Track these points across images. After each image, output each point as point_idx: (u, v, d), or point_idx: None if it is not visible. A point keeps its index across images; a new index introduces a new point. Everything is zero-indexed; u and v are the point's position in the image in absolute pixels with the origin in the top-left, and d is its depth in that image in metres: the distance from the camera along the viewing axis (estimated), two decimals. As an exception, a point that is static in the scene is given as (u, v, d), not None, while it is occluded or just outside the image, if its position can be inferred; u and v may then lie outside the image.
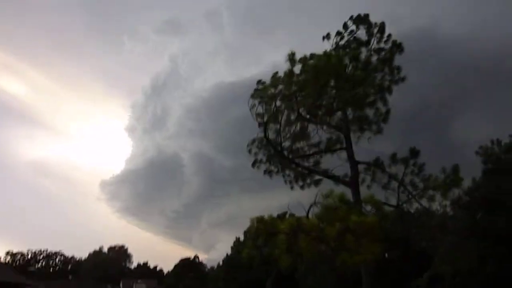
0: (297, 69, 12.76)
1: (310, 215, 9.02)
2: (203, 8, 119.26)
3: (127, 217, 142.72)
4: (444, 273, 20.63)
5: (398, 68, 15.23)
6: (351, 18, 15.14)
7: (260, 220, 9.06)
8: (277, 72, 13.17)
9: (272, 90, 13.78)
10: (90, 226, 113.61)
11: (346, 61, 12.21)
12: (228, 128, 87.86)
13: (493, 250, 20.24)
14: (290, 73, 12.82)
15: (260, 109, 14.36)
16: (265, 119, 14.19)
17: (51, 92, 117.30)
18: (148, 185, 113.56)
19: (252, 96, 14.03)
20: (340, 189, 14.63)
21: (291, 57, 12.37)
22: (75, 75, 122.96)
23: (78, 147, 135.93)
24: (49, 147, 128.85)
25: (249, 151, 16.25)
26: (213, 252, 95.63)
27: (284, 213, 35.84)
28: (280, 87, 13.60)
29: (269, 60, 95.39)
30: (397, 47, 15.00)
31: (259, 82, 14.37)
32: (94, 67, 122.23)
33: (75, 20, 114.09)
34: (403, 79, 15.02)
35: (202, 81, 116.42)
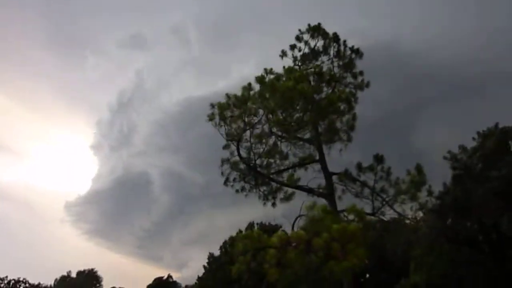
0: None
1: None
2: (168, 23, 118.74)
3: (95, 238, 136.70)
4: (419, 279, 21.04)
5: (361, 73, 15.81)
6: (300, 31, 15.56)
7: (247, 236, 9.14)
8: (227, 94, 13.35)
9: (235, 110, 14.00)
10: (55, 251, 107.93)
11: (310, 77, 12.55)
12: (197, 143, 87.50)
13: (464, 253, 20.90)
14: (250, 91, 13.14)
15: (227, 129, 14.63)
16: (236, 138, 14.39)
17: (9, 111, 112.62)
18: (116, 205, 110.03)
19: (211, 117, 14.12)
20: (314, 200, 15.04)
21: (260, 79, 12.65)
22: (35, 93, 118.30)
23: (40, 168, 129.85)
24: (9, 169, 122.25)
25: (222, 173, 16.34)
26: (186, 270, 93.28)
27: (251, 225, 35.81)
28: (243, 106, 13.87)
29: (237, 73, 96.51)
30: (356, 52, 15.60)
31: (212, 105, 14.46)
32: (56, 84, 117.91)
33: (35, 35, 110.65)
34: (367, 85, 15.61)
35: (169, 96, 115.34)
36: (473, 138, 26.51)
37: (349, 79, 15.09)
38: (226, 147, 15.25)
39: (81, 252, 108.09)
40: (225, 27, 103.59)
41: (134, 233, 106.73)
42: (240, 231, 37.07)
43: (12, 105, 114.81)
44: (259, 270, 9.21)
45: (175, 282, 70.08)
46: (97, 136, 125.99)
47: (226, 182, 16.46)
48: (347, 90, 14.53)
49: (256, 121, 13.50)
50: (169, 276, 69.16)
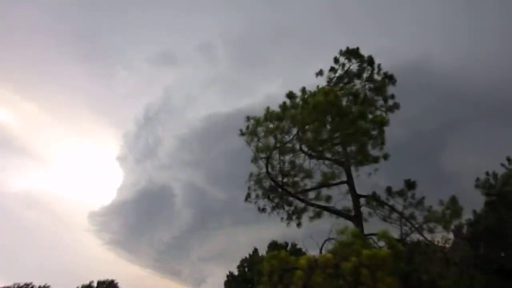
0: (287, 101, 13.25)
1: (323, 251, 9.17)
2: (196, 40, 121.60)
3: (116, 249, 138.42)
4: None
5: (392, 97, 15.72)
6: (340, 52, 15.72)
7: (274, 256, 9.12)
8: (268, 107, 13.55)
9: (270, 125, 14.15)
10: (78, 259, 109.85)
11: (343, 96, 12.57)
12: (221, 159, 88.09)
13: (496, 283, 19.98)
14: (286, 109, 13.25)
15: (258, 144, 14.74)
16: (266, 154, 14.47)
17: (40, 121, 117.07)
18: (138, 217, 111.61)
19: (243, 133, 14.31)
20: (340, 222, 14.86)
21: (291, 95, 12.75)
22: (65, 104, 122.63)
23: (66, 177, 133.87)
24: (37, 178, 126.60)
25: (249, 188, 16.35)
26: (204, 286, 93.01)
27: (275, 243, 35.43)
28: (277, 122, 13.99)
29: (262, 91, 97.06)
30: (389, 78, 15.57)
31: (248, 118, 14.71)
32: (86, 96, 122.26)
33: (67, 49, 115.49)
34: (397, 106, 15.47)
35: (195, 112, 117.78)
36: (502, 164, 25.54)
37: (380, 102, 15.00)
38: (253, 161, 15.21)
39: (102, 262, 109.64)
40: (252, 44, 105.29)
41: (154, 246, 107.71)
42: (256, 250, 36.83)
43: (42, 114, 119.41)
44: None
45: None
46: (123, 148, 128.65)
47: (247, 199, 16.49)
48: (378, 113, 14.43)
49: (287, 139, 13.55)
50: None
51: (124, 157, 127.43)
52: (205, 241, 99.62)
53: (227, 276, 36.64)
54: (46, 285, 77.90)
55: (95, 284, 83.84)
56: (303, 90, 13.26)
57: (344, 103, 12.93)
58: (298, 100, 13.18)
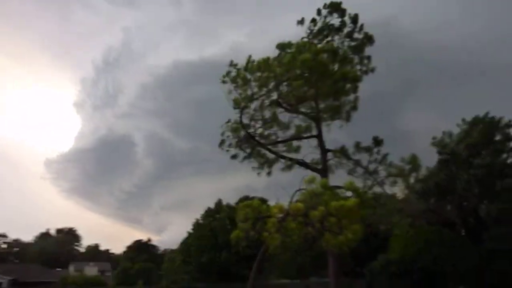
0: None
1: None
2: None
3: (75, 197, 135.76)
4: (395, 256, 22.27)
5: (369, 58, 16.00)
6: (324, 5, 15.57)
7: (248, 205, 9.58)
8: (250, 56, 13.53)
9: (247, 75, 14.18)
10: (34, 207, 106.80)
11: (323, 52, 12.67)
12: (185, 109, 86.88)
13: (439, 233, 22.06)
14: (266, 61, 13.23)
15: (234, 94, 14.80)
16: (241, 103, 14.60)
17: None
18: (98, 165, 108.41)
19: (223, 78, 14.31)
20: (308, 174, 15.59)
21: (280, 46, 12.72)
22: (17, 45, 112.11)
23: (20, 123, 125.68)
24: None
25: (222, 134, 16.61)
26: (165, 234, 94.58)
27: (246, 197, 36.66)
28: (257, 73, 14.03)
29: (229, 39, 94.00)
30: (368, 38, 15.73)
31: (231, 64, 14.68)
32: (40, 36, 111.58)
33: None
34: (372, 70, 15.84)
35: (158, 58, 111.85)
36: (458, 125, 27.16)
37: (356, 60, 15.23)
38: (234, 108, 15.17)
39: (59, 210, 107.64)
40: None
41: (114, 195, 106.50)
42: (220, 200, 37.87)
43: None
44: (256, 239, 9.76)
45: (154, 245, 71.49)
46: (81, 94, 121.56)
47: (221, 145, 16.79)
48: (354, 69, 14.71)
49: (264, 91, 13.65)
50: (149, 239, 70.52)
51: (81, 104, 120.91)
52: (166, 190, 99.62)
53: (193, 224, 37.65)
54: (1, 233, 76.43)
55: (53, 232, 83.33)
56: (287, 44, 13.18)
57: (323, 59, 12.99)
58: (279, 53, 13.14)
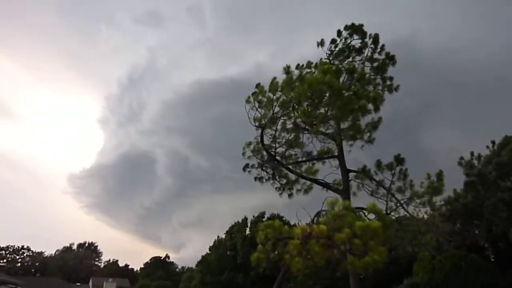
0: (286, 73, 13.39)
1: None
2: (185, 2, 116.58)
3: (95, 213, 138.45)
4: (421, 280, 21.52)
5: (391, 79, 16.01)
6: (345, 27, 15.78)
7: (269, 225, 9.55)
8: (275, 78, 13.77)
9: (270, 96, 14.37)
10: (55, 222, 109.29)
11: (343, 73, 12.76)
12: (206, 127, 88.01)
13: (467, 258, 21.26)
14: (288, 82, 13.41)
15: (257, 114, 14.99)
16: (263, 124, 14.74)
17: (17, 79, 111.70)
18: (119, 181, 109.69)
19: (248, 99, 14.54)
20: (329, 195, 15.47)
21: (287, 70, 12.94)
22: (44, 62, 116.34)
23: (45, 138, 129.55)
24: (15, 138, 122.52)
25: (243, 154, 16.76)
26: (183, 251, 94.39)
27: (262, 214, 36.52)
28: (278, 94, 14.21)
29: (251, 59, 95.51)
30: (390, 59, 15.77)
31: (257, 85, 14.92)
32: (66, 54, 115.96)
33: (47, 3, 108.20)
34: (396, 89, 15.80)
35: (181, 77, 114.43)
36: (487, 147, 26.59)
37: (378, 80, 15.26)
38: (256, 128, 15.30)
39: (80, 224, 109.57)
40: (243, 9, 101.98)
41: (134, 211, 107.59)
42: (246, 219, 37.71)
43: (19, 71, 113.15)
44: (277, 260, 9.68)
45: (172, 262, 71.43)
46: (105, 111, 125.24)
47: (245, 169, 16.93)
48: (376, 90, 14.72)
49: (285, 112, 13.79)
50: (167, 256, 70.52)
51: (105, 120, 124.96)
52: (186, 207, 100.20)
53: (214, 242, 37.66)
54: (25, 247, 78.19)
55: (75, 247, 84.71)
56: (304, 65, 13.39)
57: (342, 78, 13.08)
58: (296, 73, 13.35)
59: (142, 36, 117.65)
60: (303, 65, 14.37)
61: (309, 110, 14.10)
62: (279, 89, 13.27)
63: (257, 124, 14.61)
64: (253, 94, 14.39)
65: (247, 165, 16.74)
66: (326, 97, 13.37)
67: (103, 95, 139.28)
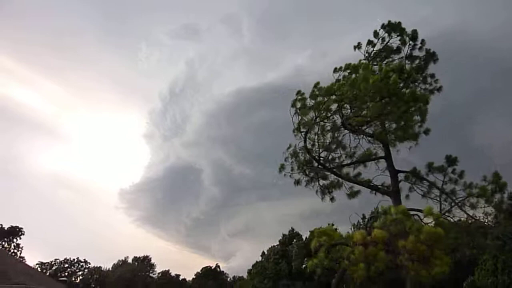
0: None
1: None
2: (220, 13, 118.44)
3: (145, 226, 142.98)
4: (485, 282, 20.29)
5: (433, 76, 15.30)
6: (382, 26, 15.27)
7: (323, 232, 9.42)
8: (318, 83, 13.60)
9: (312, 101, 14.17)
10: (109, 237, 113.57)
11: (389, 74, 12.31)
12: (249, 135, 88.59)
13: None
14: (330, 86, 13.18)
15: (300, 118, 14.81)
16: (304, 128, 14.56)
17: (65, 101, 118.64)
18: (167, 193, 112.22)
19: (293, 104, 14.42)
20: (381, 198, 14.96)
21: (337, 70, 12.72)
22: (89, 83, 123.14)
23: (94, 156, 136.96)
24: (66, 158, 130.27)
25: (285, 159, 16.59)
26: (233, 260, 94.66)
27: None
28: (319, 98, 13.99)
29: (289, 63, 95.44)
30: (431, 55, 15.08)
31: (298, 92, 14.78)
32: (110, 73, 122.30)
33: (90, 26, 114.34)
34: (439, 89, 15.11)
35: (222, 87, 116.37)
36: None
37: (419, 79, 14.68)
38: (295, 132, 15.13)
39: (132, 238, 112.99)
40: (277, 15, 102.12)
41: (183, 222, 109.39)
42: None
43: (65, 93, 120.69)
44: (331, 266, 9.49)
45: (222, 272, 71.91)
46: (149, 126, 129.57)
47: (281, 170, 16.69)
48: (423, 91, 14.18)
49: (329, 114, 13.57)
50: (217, 266, 71.12)
51: (150, 134, 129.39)
52: (232, 216, 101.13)
53: (268, 250, 37.90)
54: (85, 260, 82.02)
55: (130, 260, 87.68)
56: (343, 67, 13.14)
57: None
58: (343, 75, 13.10)
59: (180, 50, 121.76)
60: (341, 67, 14.06)
61: (356, 111, 13.81)
62: (323, 93, 13.08)
63: (300, 128, 14.47)
64: (296, 99, 14.29)
65: (282, 166, 16.44)
66: (372, 99, 13.07)
67: (146, 111, 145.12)
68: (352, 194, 16.05)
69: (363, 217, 12.96)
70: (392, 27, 14.55)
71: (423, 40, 14.67)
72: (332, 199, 16.89)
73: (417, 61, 14.83)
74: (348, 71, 13.50)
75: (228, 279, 71.76)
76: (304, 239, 34.11)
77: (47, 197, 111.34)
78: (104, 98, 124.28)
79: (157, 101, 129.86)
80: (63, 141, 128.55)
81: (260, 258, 39.04)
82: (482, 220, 14.17)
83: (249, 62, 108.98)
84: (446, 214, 13.86)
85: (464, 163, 14.44)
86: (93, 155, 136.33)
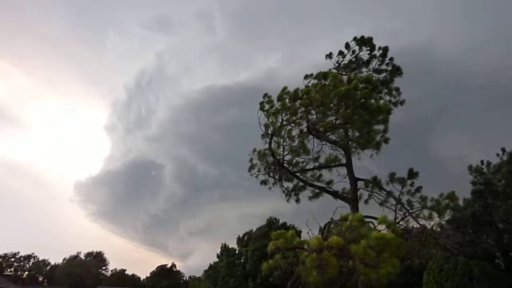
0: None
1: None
2: (193, 8, 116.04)
3: (101, 221, 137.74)
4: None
5: (397, 90, 15.90)
6: (354, 38, 15.72)
7: (280, 235, 9.46)
8: (286, 87, 13.73)
9: (281, 103, 14.32)
10: (61, 230, 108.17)
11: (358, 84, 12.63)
12: (216, 134, 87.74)
13: (479, 266, 20.95)
14: (298, 91, 13.35)
15: (266, 120, 14.94)
16: (270, 131, 14.68)
17: (24, 87, 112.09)
18: (126, 188, 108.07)
19: (261, 106, 14.51)
20: (340, 204, 15.31)
21: (307, 76, 12.87)
22: (51, 70, 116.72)
23: (52, 145, 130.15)
24: (21, 145, 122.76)
25: (250, 160, 16.75)
26: (190, 260, 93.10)
27: (271, 221, 36.45)
28: (287, 102, 14.14)
29: (261, 64, 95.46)
30: (397, 70, 15.67)
31: (265, 95, 14.89)
32: (73, 61, 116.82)
33: (54, 11, 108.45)
34: (402, 102, 15.71)
35: (191, 83, 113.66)
36: (497, 154, 26.26)
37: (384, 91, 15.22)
38: (263, 136, 15.33)
39: (87, 233, 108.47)
40: (252, 14, 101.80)
41: (141, 219, 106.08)
42: (263, 226, 37.60)
43: (25, 79, 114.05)
44: (287, 270, 9.57)
45: (178, 271, 70.82)
46: (112, 117, 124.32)
47: (250, 170, 16.87)
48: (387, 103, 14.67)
49: (295, 118, 13.72)
50: (173, 265, 69.96)
51: (112, 126, 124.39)
52: (192, 215, 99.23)
53: (221, 248, 37.63)
54: (32, 254, 78.02)
55: (82, 256, 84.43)
56: (320, 75, 13.36)
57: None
58: (312, 82, 13.29)
59: (150, 42, 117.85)
60: (312, 74, 14.29)
61: (321, 117, 14.08)
62: (290, 98, 13.21)
63: (267, 130, 14.57)
64: (263, 101, 14.36)
65: (251, 167, 16.65)
66: (336, 106, 13.36)
67: (110, 102, 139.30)
68: (315, 196, 16.32)
69: (323, 224, 13.34)
70: (364, 41, 14.98)
71: (391, 58, 15.20)
72: (297, 201, 17.20)
73: (383, 74, 15.29)
74: (318, 78, 13.73)
75: (184, 278, 70.81)
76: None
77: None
78: (67, 86, 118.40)
79: (122, 92, 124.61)
80: (18, 127, 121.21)
81: (216, 259, 38.99)
82: (433, 230, 14.79)
83: (220, 59, 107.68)
84: (401, 223, 14.44)
85: (421, 173, 15.06)
86: (51, 145, 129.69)
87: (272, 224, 34.31)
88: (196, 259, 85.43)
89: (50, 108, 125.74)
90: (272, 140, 15.18)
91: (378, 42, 15.64)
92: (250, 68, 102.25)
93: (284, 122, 14.36)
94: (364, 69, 15.36)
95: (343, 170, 15.90)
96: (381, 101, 14.57)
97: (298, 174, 16.51)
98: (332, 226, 11.20)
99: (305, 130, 14.43)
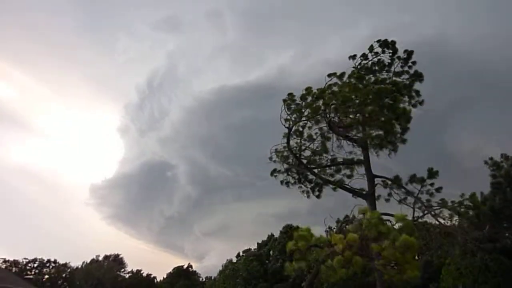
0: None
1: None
2: (204, 7, 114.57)
3: (116, 223, 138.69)
4: (447, 285, 21.28)
5: (417, 92, 15.93)
6: (378, 41, 15.83)
7: (301, 236, 9.64)
8: (310, 87, 14.02)
9: (301, 103, 14.56)
10: (79, 233, 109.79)
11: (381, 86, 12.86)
12: (228, 134, 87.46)
13: (497, 262, 20.87)
14: (322, 91, 13.62)
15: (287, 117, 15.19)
16: (291, 128, 14.91)
17: (38, 93, 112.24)
18: (141, 191, 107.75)
19: (284, 107, 14.77)
20: (357, 201, 15.50)
21: (330, 75, 13.10)
22: (63, 75, 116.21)
23: (66, 150, 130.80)
24: (37, 151, 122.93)
25: (270, 158, 17.00)
26: (206, 260, 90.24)
27: (289, 226, 36.68)
28: (309, 100, 14.36)
29: (273, 62, 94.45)
30: (418, 76, 15.71)
31: (289, 94, 15.13)
32: (85, 65, 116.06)
33: (66, 17, 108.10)
34: (421, 103, 15.73)
35: (203, 83, 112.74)
36: (516, 147, 25.88)
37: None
38: (285, 136, 15.57)
39: (103, 236, 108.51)
40: (262, 13, 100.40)
41: (156, 221, 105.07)
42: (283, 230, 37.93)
43: (38, 86, 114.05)
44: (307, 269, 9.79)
45: (195, 272, 71.39)
46: (124, 119, 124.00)
47: (272, 173, 17.19)
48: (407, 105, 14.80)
49: (317, 116, 13.98)
50: (189, 266, 70.40)
51: (125, 129, 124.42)
52: (207, 216, 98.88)
53: (244, 251, 38.14)
54: (52, 260, 79.50)
55: (101, 258, 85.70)
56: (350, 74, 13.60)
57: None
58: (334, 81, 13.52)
59: (160, 43, 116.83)
60: (335, 73, 14.48)
61: (342, 115, 14.27)
62: (313, 97, 13.48)
63: (286, 125, 14.81)
64: (286, 99, 14.65)
65: (274, 170, 16.97)
66: (360, 105, 13.51)
67: (122, 104, 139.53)
68: (334, 189, 16.53)
69: (338, 221, 13.45)
70: (387, 45, 15.09)
71: (414, 62, 15.30)
72: (318, 196, 17.44)
73: (404, 77, 15.40)
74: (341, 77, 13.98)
75: (201, 279, 71.60)
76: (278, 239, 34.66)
77: (15, 191, 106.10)
78: (79, 90, 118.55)
79: (134, 94, 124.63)
80: (34, 134, 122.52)
81: (235, 259, 39.46)
82: (451, 227, 14.89)
83: (232, 58, 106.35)
84: (418, 220, 14.58)
85: (435, 167, 15.10)
86: (65, 149, 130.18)
87: (288, 231, 34.72)
88: (212, 260, 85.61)
89: (62, 112, 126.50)
90: (291, 138, 15.45)
91: (390, 37, 15.82)
92: (262, 67, 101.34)
93: (304, 119, 14.67)
94: (384, 72, 15.46)
95: (361, 169, 16.08)
96: (401, 105, 14.67)
97: (316, 171, 16.75)
98: (349, 222, 11.35)
99: (325, 127, 14.68)
